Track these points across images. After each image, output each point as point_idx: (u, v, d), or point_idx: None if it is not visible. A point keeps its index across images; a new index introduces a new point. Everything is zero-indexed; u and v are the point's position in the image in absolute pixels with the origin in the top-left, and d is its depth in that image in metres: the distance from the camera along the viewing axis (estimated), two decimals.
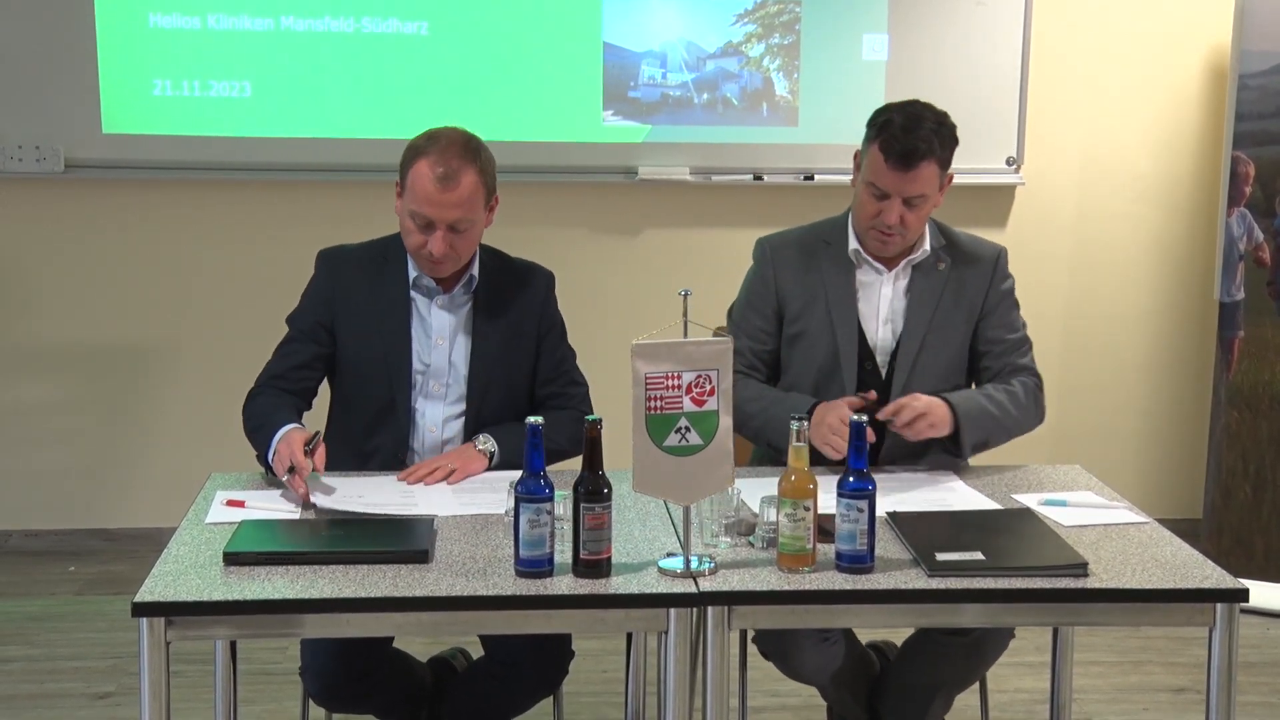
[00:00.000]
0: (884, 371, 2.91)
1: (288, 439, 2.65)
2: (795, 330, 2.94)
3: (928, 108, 2.83)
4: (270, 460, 2.69)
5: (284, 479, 2.61)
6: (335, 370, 2.91)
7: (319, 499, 2.58)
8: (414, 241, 2.77)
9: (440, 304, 2.87)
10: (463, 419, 2.88)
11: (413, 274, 2.86)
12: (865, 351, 2.91)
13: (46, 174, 4.47)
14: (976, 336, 2.94)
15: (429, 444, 2.87)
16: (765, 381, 2.97)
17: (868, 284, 2.93)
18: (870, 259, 2.91)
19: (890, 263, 2.91)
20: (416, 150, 2.76)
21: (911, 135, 2.75)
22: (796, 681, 2.94)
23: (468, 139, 2.78)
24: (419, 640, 3.50)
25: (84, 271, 4.61)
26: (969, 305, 2.92)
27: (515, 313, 2.90)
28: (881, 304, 2.92)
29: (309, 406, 2.91)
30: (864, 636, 3.09)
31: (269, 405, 2.81)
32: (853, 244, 2.91)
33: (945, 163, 2.81)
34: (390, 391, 2.85)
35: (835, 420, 2.69)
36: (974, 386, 2.96)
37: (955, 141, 2.83)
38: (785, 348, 2.97)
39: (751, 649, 2.90)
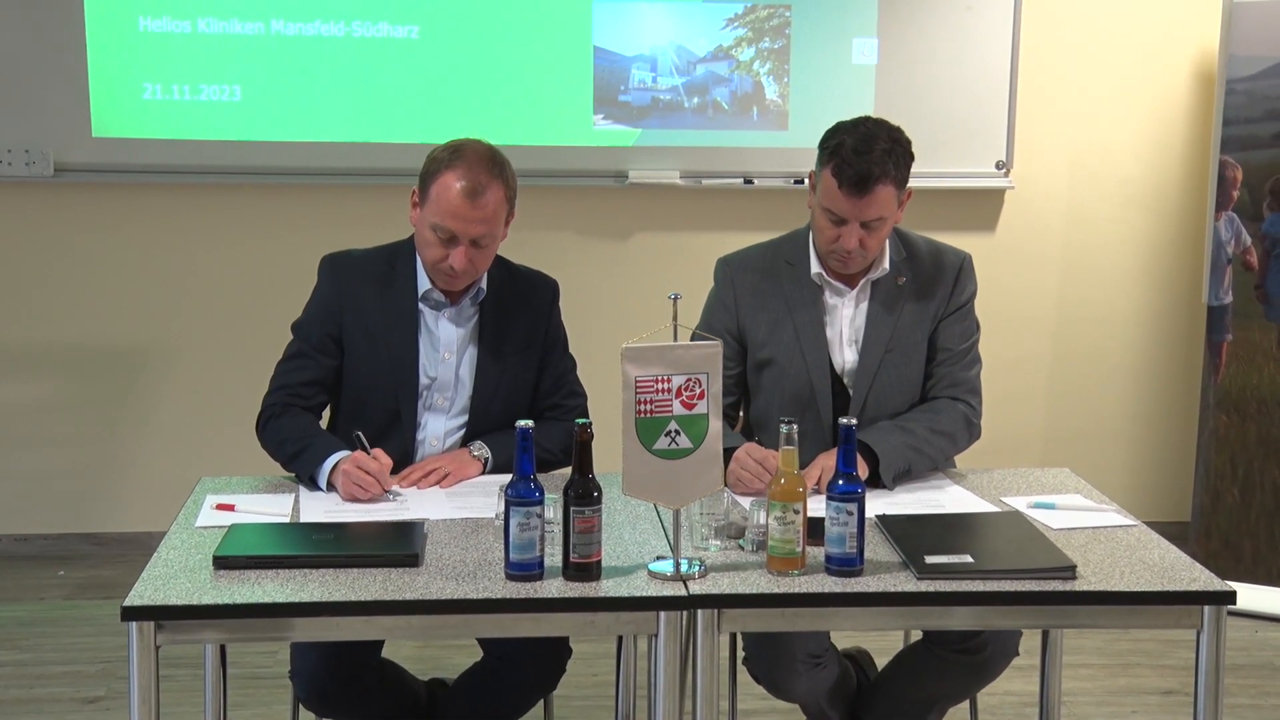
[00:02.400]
0: (852, 393, 2.88)
1: (355, 463, 2.65)
2: (763, 357, 2.90)
3: (880, 125, 2.75)
4: (321, 482, 2.69)
5: (362, 493, 2.63)
6: (340, 379, 2.89)
7: (310, 508, 2.59)
8: (434, 255, 2.75)
9: (448, 316, 2.86)
10: (463, 431, 2.88)
11: (422, 287, 2.84)
12: (834, 375, 2.88)
13: (36, 178, 4.46)
14: (930, 343, 2.90)
15: (429, 456, 2.86)
16: (733, 404, 2.94)
17: (831, 306, 2.89)
18: (832, 280, 2.87)
19: (851, 281, 2.88)
20: (441, 163, 2.73)
21: (864, 159, 2.68)
22: (786, 702, 2.94)
23: (493, 153, 2.77)
24: (410, 644, 3.50)
25: (74, 275, 4.60)
26: (931, 315, 2.89)
27: (520, 327, 2.89)
28: (845, 326, 2.88)
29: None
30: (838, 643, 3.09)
31: (302, 428, 2.79)
32: (815, 267, 2.87)
33: (902, 182, 2.74)
34: (396, 404, 2.84)
35: (751, 462, 2.65)
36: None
37: (911, 158, 2.76)
38: (752, 374, 2.93)
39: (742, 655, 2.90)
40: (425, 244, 2.77)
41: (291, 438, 2.77)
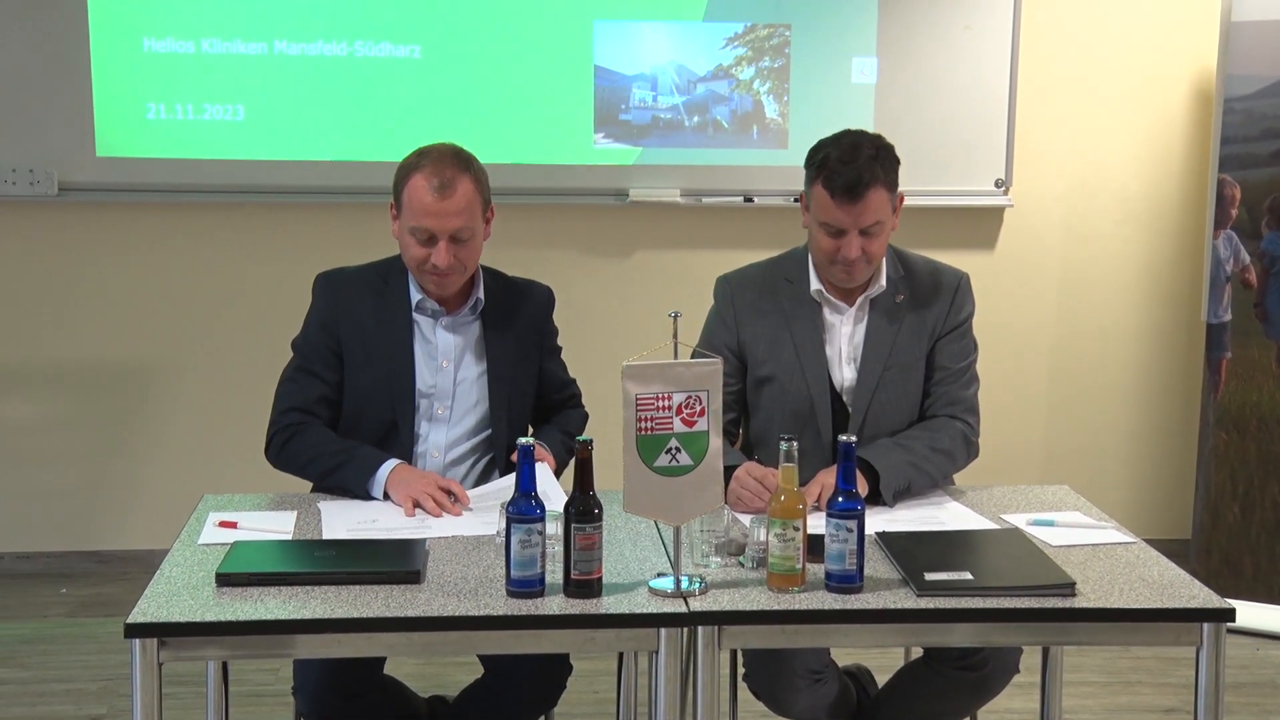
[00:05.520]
0: (851, 410, 2.88)
1: (423, 479, 2.71)
2: (762, 374, 2.90)
3: (863, 134, 2.78)
4: (377, 491, 2.73)
5: (427, 508, 2.66)
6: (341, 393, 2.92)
7: (330, 526, 2.60)
8: (417, 257, 2.77)
9: (445, 325, 2.88)
10: (469, 442, 2.89)
11: (415, 297, 2.86)
12: (834, 393, 2.88)
13: (40, 197, 4.48)
14: (928, 361, 2.90)
15: (431, 468, 2.87)
16: (733, 421, 2.94)
17: (830, 324, 2.89)
18: (831, 298, 2.88)
19: (850, 299, 2.88)
20: (409, 168, 2.78)
21: (852, 166, 2.71)
22: (785, 719, 2.94)
23: (457, 150, 2.81)
24: (411, 662, 3.50)
25: (77, 294, 4.62)
26: (929, 333, 2.89)
27: (519, 331, 2.93)
28: (844, 343, 2.89)
29: None
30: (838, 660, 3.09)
31: (335, 441, 2.81)
32: (814, 284, 2.88)
33: (892, 185, 2.77)
34: (392, 415, 2.85)
35: (751, 481, 2.66)
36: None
37: (897, 162, 2.79)
38: (752, 391, 2.93)
39: (743, 671, 2.90)
40: (407, 249, 2.80)
41: (327, 451, 2.78)
